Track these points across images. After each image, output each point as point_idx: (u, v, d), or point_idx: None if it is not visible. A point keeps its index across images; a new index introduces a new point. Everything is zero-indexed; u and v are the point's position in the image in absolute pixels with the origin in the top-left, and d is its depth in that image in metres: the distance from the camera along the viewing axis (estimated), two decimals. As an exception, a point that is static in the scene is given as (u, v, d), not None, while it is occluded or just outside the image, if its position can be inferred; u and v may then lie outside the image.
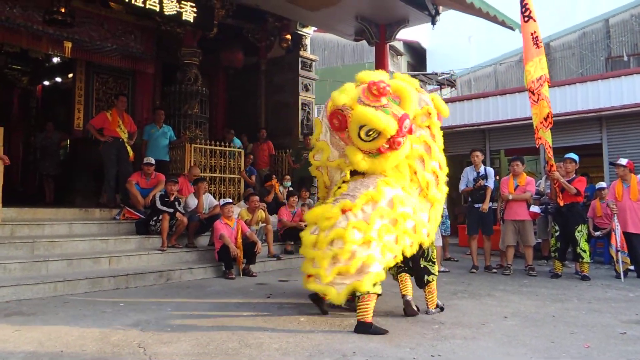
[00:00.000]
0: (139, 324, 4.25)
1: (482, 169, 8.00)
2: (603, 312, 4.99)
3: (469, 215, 8.18)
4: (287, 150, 11.17)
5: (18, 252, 5.99)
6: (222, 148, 9.49)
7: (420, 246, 4.55)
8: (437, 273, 4.93)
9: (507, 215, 7.73)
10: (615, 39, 16.29)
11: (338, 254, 4.08)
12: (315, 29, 12.93)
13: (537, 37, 7.25)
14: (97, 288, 5.68)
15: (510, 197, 7.60)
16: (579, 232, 7.18)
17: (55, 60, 11.24)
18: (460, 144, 12.95)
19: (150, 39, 10.36)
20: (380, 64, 10.64)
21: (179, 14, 8.68)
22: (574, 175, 7.42)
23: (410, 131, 4.49)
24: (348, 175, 4.59)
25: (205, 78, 10.70)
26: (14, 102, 13.00)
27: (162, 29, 9.56)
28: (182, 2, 8.67)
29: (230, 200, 7.52)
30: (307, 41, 12.20)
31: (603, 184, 9.07)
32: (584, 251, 7.14)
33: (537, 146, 7.70)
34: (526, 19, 7.29)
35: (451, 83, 18.94)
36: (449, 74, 18.58)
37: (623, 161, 7.41)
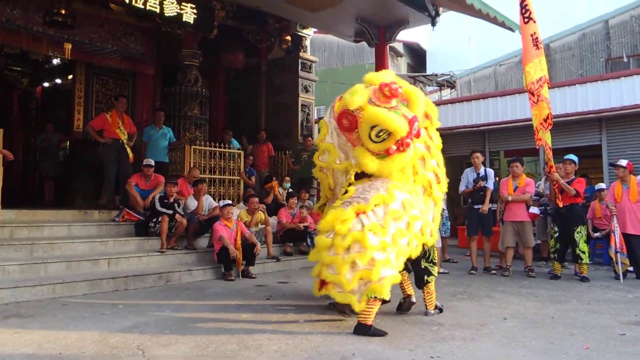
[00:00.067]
0: (138, 326, 4.25)
1: (482, 170, 8.00)
2: (602, 313, 4.99)
3: (468, 216, 8.18)
4: (287, 152, 11.17)
5: (17, 253, 5.99)
6: (222, 149, 9.49)
7: (423, 246, 4.56)
8: (436, 274, 4.94)
9: (506, 217, 7.73)
10: (615, 40, 16.29)
11: (357, 259, 4.04)
12: (315, 30, 12.93)
13: (536, 38, 7.26)
14: (96, 290, 5.68)
15: (510, 198, 7.60)
16: (578, 233, 7.18)
17: (55, 61, 11.25)
18: (460, 145, 12.96)
19: (151, 41, 10.37)
20: (380, 65, 10.63)
21: (179, 15, 8.69)
22: (574, 177, 7.43)
23: (417, 134, 4.51)
24: (352, 178, 4.56)
25: (206, 79, 10.71)
26: (14, 104, 13.01)
27: (163, 30, 9.58)
28: (183, 3, 8.68)
29: (230, 202, 7.52)
30: (307, 42, 12.20)
31: (602, 185, 9.07)
32: (583, 252, 7.13)
33: (537, 147, 7.71)
34: (526, 20, 7.29)
35: (451, 84, 18.94)
36: (448, 75, 18.58)
37: (623, 162, 7.41)
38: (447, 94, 19.12)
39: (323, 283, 4.37)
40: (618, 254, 7.04)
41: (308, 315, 4.77)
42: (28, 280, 5.39)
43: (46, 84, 12.84)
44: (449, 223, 8.97)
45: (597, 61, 16.59)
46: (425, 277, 4.81)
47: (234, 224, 7.15)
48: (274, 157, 11.29)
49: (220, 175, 9.38)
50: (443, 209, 8.15)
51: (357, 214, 4.17)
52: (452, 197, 9.46)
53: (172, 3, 8.53)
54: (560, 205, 7.27)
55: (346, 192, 4.51)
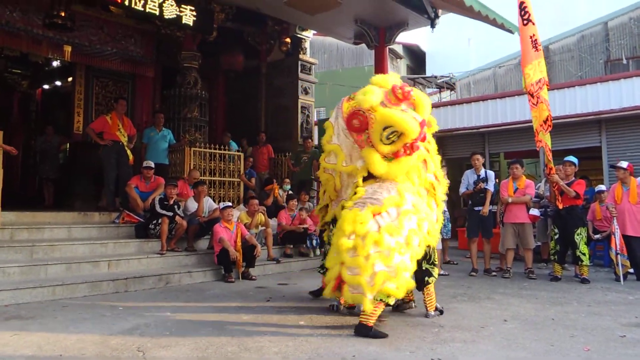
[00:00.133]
0: (138, 327, 4.25)
1: (482, 172, 8.01)
2: (603, 315, 4.99)
3: (469, 218, 8.18)
4: (287, 154, 11.18)
5: (17, 255, 5.99)
6: (222, 151, 9.50)
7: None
8: (437, 276, 4.93)
9: (506, 218, 7.73)
10: (614, 42, 16.32)
11: (380, 261, 4.02)
12: (315, 32, 12.95)
13: (536, 40, 7.27)
14: (96, 292, 5.68)
15: (510, 200, 7.60)
16: (578, 235, 7.18)
17: (55, 64, 11.27)
18: (460, 147, 12.97)
19: (150, 43, 10.39)
20: (379, 67, 10.65)
21: (179, 17, 8.70)
22: (573, 178, 7.44)
23: (424, 138, 4.53)
24: (360, 182, 4.54)
25: (205, 81, 10.72)
26: (14, 106, 13.02)
27: (162, 32, 9.59)
28: (182, 5, 8.69)
29: (230, 204, 7.51)
30: (307, 44, 12.21)
31: (602, 187, 9.06)
32: (584, 254, 7.13)
33: (538, 149, 7.72)
34: (525, 22, 7.30)
35: (450, 86, 18.96)
36: (448, 77, 18.62)
37: (624, 164, 7.41)
38: (446, 95, 19.15)
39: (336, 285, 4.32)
40: (618, 256, 7.05)
41: (308, 317, 4.76)
42: (28, 282, 5.38)
43: (46, 86, 12.86)
44: (450, 225, 8.97)
45: (596, 63, 16.62)
46: (426, 279, 4.81)
47: (234, 226, 7.15)
48: (273, 159, 11.30)
49: (220, 177, 9.38)
50: (444, 211, 8.18)
51: (374, 215, 4.17)
52: (452, 198, 9.46)
53: (172, 5, 8.54)
54: (560, 207, 7.27)
55: (355, 193, 4.49)
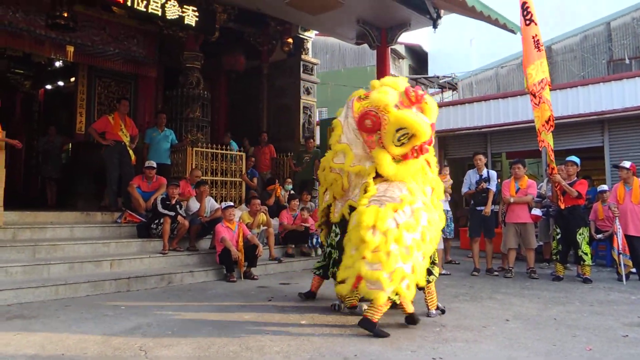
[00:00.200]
0: (140, 327, 4.26)
1: (484, 171, 8.00)
2: (605, 314, 4.98)
3: (471, 218, 8.18)
4: (289, 154, 11.18)
5: (20, 255, 6.00)
6: (224, 151, 9.51)
7: None
8: (437, 275, 4.94)
9: (508, 218, 7.73)
10: (617, 42, 16.30)
11: (400, 258, 4.04)
12: (317, 32, 12.95)
13: (538, 40, 7.26)
14: (98, 291, 5.69)
15: (512, 200, 7.60)
16: (580, 234, 7.17)
17: (58, 64, 11.30)
18: (462, 147, 12.97)
19: (153, 43, 10.41)
20: (381, 67, 10.66)
21: (181, 18, 8.71)
22: (576, 178, 7.42)
23: (430, 142, 4.54)
24: (371, 181, 4.51)
25: (207, 82, 10.73)
26: (16, 106, 13.05)
27: (164, 33, 9.61)
28: (184, 6, 8.70)
29: (232, 204, 7.52)
30: (309, 45, 12.21)
31: (605, 187, 9.05)
32: (586, 254, 7.12)
33: (540, 148, 7.70)
34: (527, 22, 7.29)
35: (452, 86, 18.96)
36: (450, 77, 18.62)
37: (627, 164, 7.39)
38: (448, 95, 19.14)
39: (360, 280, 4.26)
40: (621, 256, 7.03)
41: (310, 316, 4.77)
42: (31, 282, 5.40)
43: (49, 87, 12.89)
44: (453, 225, 8.97)
45: (599, 63, 16.60)
46: (427, 277, 4.80)
47: (236, 226, 7.16)
48: (275, 159, 11.31)
49: (222, 177, 9.40)
50: (447, 211, 8.19)
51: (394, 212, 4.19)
52: (455, 198, 9.45)
53: (174, 6, 8.55)
54: (562, 207, 7.27)
55: (365, 192, 4.48)
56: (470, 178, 8.10)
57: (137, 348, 3.65)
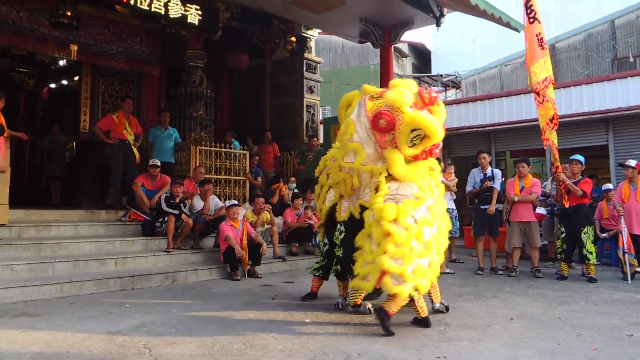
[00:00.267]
0: (144, 325, 4.27)
1: (489, 170, 7.99)
2: (610, 314, 4.96)
3: (475, 216, 8.16)
4: (292, 152, 11.19)
5: (25, 253, 6.03)
6: (227, 150, 9.52)
7: None
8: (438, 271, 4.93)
9: (512, 217, 7.71)
10: (621, 40, 16.23)
11: (420, 254, 4.06)
12: (320, 31, 12.94)
13: (541, 38, 7.24)
14: (103, 289, 5.70)
15: (516, 198, 7.58)
16: (585, 233, 7.15)
17: (62, 63, 11.30)
18: (466, 145, 12.94)
19: (156, 42, 10.43)
20: (385, 66, 10.64)
21: (184, 16, 8.72)
22: (580, 177, 7.40)
23: (439, 144, 4.58)
24: (383, 181, 4.49)
25: (210, 80, 10.74)
26: (20, 105, 13.09)
27: (167, 31, 9.60)
28: (187, 5, 8.71)
29: (236, 202, 7.54)
30: (312, 43, 12.21)
31: (610, 186, 9.03)
32: (590, 253, 7.10)
33: (545, 147, 7.68)
34: (531, 20, 7.28)
35: (456, 85, 18.92)
36: (453, 75, 18.58)
37: (632, 163, 7.36)
38: (452, 94, 19.09)
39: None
40: (626, 255, 7.00)
41: (314, 315, 4.77)
42: (36, 280, 5.42)
43: (52, 85, 12.92)
44: (458, 223, 8.95)
45: (603, 61, 16.53)
46: None
47: (240, 224, 7.17)
48: (279, 157, 11.31)
49: (226, 176, 9.40)
50: (452, 209, 8.18)
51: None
52: (459, 197, 9.43)
53: (177, 4, 8.56)
54: (567, 205, 7.24)
55: (376, 190, 4.46)
56: (475, 177, 8.09)
57: (142, 346, 3.66)
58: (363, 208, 4.57)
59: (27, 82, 12.80)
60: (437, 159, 4.98)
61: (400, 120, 4.35)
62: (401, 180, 4.44)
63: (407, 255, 4.00)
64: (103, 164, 8.73)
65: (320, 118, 12.77)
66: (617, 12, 16.53)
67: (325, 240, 5.28)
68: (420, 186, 4.42)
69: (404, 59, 23.14)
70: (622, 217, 7.16)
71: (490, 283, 6.87)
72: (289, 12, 9.93)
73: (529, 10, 7.29)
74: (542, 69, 7.16)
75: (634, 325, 4.48)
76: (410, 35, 16.51)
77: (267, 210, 8.28)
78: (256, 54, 11.93)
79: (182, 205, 7.35)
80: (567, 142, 10.60)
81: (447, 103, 14.01)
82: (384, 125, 4.44)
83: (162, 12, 8.38)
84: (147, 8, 8.18)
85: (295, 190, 9.65)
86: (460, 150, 13.05)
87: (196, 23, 8.92)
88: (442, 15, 9.96)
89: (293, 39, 11.33)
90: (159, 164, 8.05)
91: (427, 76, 18.86)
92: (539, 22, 7.27)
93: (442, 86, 18.76)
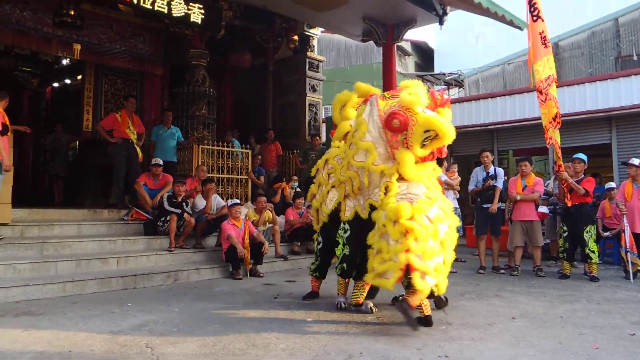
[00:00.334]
0: (146, 324, 4.28)
1: (491, 169, 7.97)
2: (612, 313, 4.95)
3: (477, 215, 8.15)
4: (295, 151, 11.19)
5: (28, 252, 6.05)
6: (230, 149, 9.53)
7: None
8: None
9: (515, 216, 7.69)
10: (625, 38, 16.15)
11: (438, 253, 4.11)
12: (323, 29, 12.93)
13: (545, 36, 7.22)
14: (105, 288, 5.72)
15: (519, 197, 7.56)
16: (587, 232, 7.13)
17: (65, 62, 11.34)
18: (468, 144, 12.90)
19: (159, 41, 10.44)
20: (387, 64, 10.63)
21: (187, 15, 8.73)
22: (583, 176, 7.37)
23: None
24: (395, 181, 4.48)
25: (213, 79, 10.74)
26: (24, 104, 13.13)
27: (170, 30, 9.61)
28: (190, 4, 8.71)
29: (238, 201, 7.55)
30: (315, 42, 12.20)
31: (612, 184, 9.00)
32: (593, 252, 7.08)
33: (548, 145, 7.66)
34: (535, 18, 7.25)
35: (459, 83, 18.89)
36: (456, 74, 18.53)
37: (636, 161, 7.33)
38: (455, 92, 19.06)
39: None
40: (628, 254, 6.99)
41: (316, 314, 4.77)
42: (39, 279, 5.44)
43: (56, 85, 12.97)
44: (461, 222, 8.93)
45: (606, 59, 16.46)
46: None
47: (242, 223, 7.17)
48: (281, 156, 11.31)
49: (228, 175, 9.41)
50: (456, 208, 8.16)
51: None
52: (461, 196, 9.42)
53: (180, 3, 8.57)
54: (569, 204, 7.22)
55: (386, 190, 4.47)
56: (477, 175, 8.07)
57: (144, 345, 3.67)
58: (372, 208, 4.57)
59: (30, 81, 12.84)
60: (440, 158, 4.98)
61: (414, 121, 4.35)
62: (410, 181, 4.47)
63: (427, 252, 4.04)
64: (106, 163, 8.75)
65: (323, 117, 12.76)
66: (621, 10, 16.45)
67: (320, 239, 5.26)
68: (428, 186, 4.49)
69: (406, 57, 23.10)
70: (625, 215, 7.14)
71: (492, 282, 6.86)
72: (292, 10, 9.94)
73: (532, 8, 7.26)
74: (545, 67, 7.14)
75: (636, 325, 4.47)
76: (413, 34, 16.49)
77: (269, 209, 8.28)
78: (259, 53, 11.93)
79: (184, 204, 7.36)
80: (570, 141, 10.57)
81: (450, 101, 13.99)
82: (397, 126, 4.43)
83: (165, 11, 8.39)
84: (150, 7, 8.20)
85: (298, 189, 9.65)
86: (463, 148, 13.02)
87: (199, 22, 8.93)
88: (445, 13, 9.95)
89: (296, 37, 11.32)
90: (161, 163, 8.07)
91: (430, 74, 18.83)
92: (543, 20, 7.25)
93: (445, 85, 18.72)
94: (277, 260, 7.86)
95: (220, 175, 9.24)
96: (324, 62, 12.76)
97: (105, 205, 8.51)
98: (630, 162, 7.41)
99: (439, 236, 4.14)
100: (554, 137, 7.09)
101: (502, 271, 7.71)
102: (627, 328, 4.35)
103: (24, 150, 12.27)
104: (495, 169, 7.99)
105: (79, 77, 11.06)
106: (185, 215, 7.28)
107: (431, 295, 4.44)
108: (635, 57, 15.43)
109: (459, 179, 8.76)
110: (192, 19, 8.80)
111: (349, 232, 4.78)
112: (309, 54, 11.77)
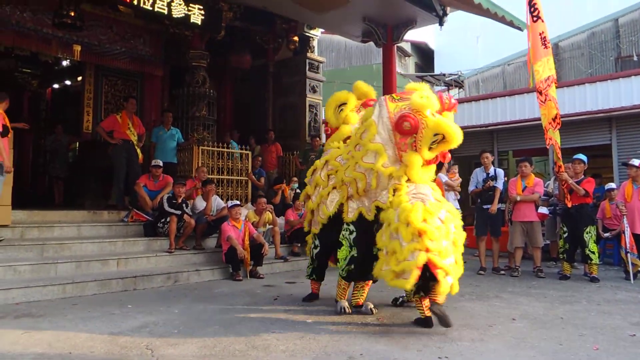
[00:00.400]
0: (146, 325, 4.28)
1: (491, 170, 7.98)
2: (612, 314, 4.95)
3: (477, 216, 8.15)
4: (295, 152, 11.18)
5: (28, 254, 6.05)
6: (230, 150, 9.53)
7: None
8: None
9: (515, 217, 7.69)
10: (625, 39, 16.14)
11: (451, 253, 4.15)
12: (323, 30, 12.93)
13: (545, 37, 7.22)
14: (105, 290, 5.72)
15: (519, 198, 7.56)
16: (587, 233, 7.13)
17: (65, 63, 11.36)
18: (468, 145, 12.75)
19: (159, 42, 10.45)
20: (387, 65, 10.63)
21: (187, 16, 8.73)
22: (583, 176, 7.38)
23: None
24: (404, 183, 4.49)
25: (213, 80, 10.74)
26: (24, 105, 13.14)
27: (171, 31, 9.62)
28: (190, 5, 8.72)
29: (238, 202, 7.54)
30: (315, 43, 12.20)
31: (612, 185, 8.99)
32: (593, 253, 7.09)
33: (548, 146, 7.66)
34: (535, 18, 7.25)
35: (459, 84, 18.84)
36: (456, 74, 18.49)
37: (636, 162, 7.33)
38: (455, 93, 19.01)
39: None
40: (628, 254, 6.99)
41: (316, 315, 4.77)
42: (39, 280, 5.44)
43: (56, 86, 12.98)
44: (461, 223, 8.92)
45: (606, 60, 16.45)
46: None
47: (242, 225, 7.17)
48: (282, 157, 11.30)
49: (228, 176, 9.41)
50: (457, 209, 8.15)
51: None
52: (462, 197, 9.42)
53: (180, 4, 8.57)
54: (569, 205, 7.22)
55: (394, 192, 4.49)
56: (477, 176, 8.07)
57: (144, 347, 3.67)
58: (379, 210, 4.57)
59: (30, 82, 12.85)
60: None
61: (424, 124, 4.37)
62: (414, 183, 4.51)
63: (442, 252, 4.06)
64: (106, 164, 8.75)
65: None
66: (621, 11, 16.44)
67: (317, 243, 5.22)
68: (433, 187, 4.57)
69: (406, 58, 23.10)
70: (625, 216, 7.14)
71: (492, 283, 6.86)
72: (292, 11, 9.93)
73: (532, 9, 7.27)
74: (545, 68, 7.14)
75: (637, 326, 4.47)
76: (413, 35, 16.45)
77: (269, 211, 8.28)
78: (259, 54, 11.93)
79: (184, 205, 7.37)
80: (570, 142, 10.57)
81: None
82: (407, 128, 4.44)
83: (165, 12, 8.39)
84: (150, 8, 8.20)
85: (298, 191, 9.65)
86: (463, 149, 12.95)
87: (199, 23, 8.93)
88: (445, 14, 9.94)
89: (296, 38, 11.32)
90: (161, 164, 8.07)
91: (430, 75, 18.79)
92: (543, 21, 7.25)
93: (445, 85, 18.69)
94: (277, 261, 7.85)
95: (221, 177, 9.24)
96: (324, 63, 12.75)
97: (105, 207, 8.51)
98: (630, 162, 7.41)
99: (450, 237, 4.18)
100: (554, 137, 7.09)
101: (502, 272, 7.71)
102: (627, 329, 4.35)
103: (24, 152, 12.28)
104: (495, 170, 8.00)
105: (79, 78, 11.08)
106: (185, 216, 7.28)
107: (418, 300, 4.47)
108: (635, 58, 15.42)
109: (460, 179, 8.76)
110: (192, 20, 8.80)
111: (355, 234, 4.74)
112: (309, 54, 11.78)
